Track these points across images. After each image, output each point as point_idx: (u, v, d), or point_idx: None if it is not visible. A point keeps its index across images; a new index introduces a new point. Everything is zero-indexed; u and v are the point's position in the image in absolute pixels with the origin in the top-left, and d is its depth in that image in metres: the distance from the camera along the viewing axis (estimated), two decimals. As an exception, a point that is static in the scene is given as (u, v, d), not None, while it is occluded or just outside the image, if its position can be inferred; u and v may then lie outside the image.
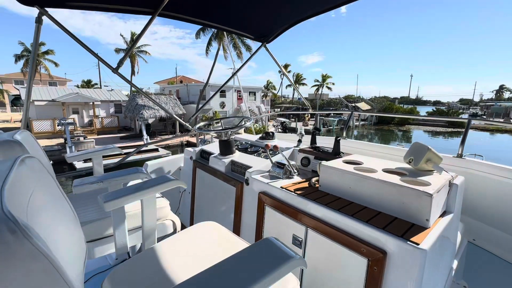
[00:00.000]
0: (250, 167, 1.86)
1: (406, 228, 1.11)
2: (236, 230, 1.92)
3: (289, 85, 56.25)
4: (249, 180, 1.79)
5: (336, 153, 1.83)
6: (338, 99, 45.58)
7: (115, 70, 2.07)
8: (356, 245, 1.15)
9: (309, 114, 34.42)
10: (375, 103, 38.60)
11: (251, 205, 1.78)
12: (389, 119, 35.45)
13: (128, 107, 19.75)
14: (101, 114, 22.20)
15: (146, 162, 2.52)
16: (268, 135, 2.48)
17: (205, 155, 2.39)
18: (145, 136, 16.77)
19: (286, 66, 52.31)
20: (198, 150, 2.46)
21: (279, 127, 23.86)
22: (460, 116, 36.93)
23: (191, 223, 2.50)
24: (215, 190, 2.20)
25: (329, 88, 42.60)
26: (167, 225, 1.55)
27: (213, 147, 2.41)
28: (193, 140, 18.02)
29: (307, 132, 2.37)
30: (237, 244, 1.19)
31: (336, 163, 1.53)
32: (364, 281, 1.14)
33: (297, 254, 0.79)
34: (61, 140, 15.93)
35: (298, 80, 51.57)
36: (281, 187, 1.57)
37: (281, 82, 55.37)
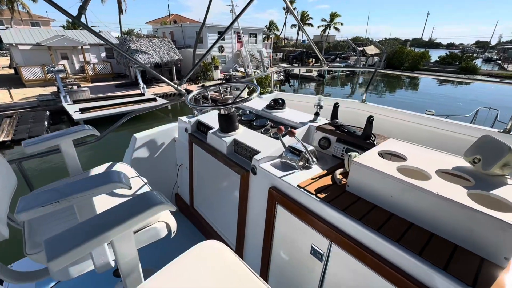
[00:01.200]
0: (257, 152, 1.52)
1: (475, 268, 0.83)
2: (241, 226, 1.69)
3: (294, 25, 51.25)
4: (256, 170, 1.46)
5: (367, 136, 1.46)
6: (345, 41, 41.99)
7: (76, 19, 1.54)
8: (403, 282, 0.89)
9: (313, 59, 32.26)
10: (385, 46, 35.67)
11: (260, 199, 1.50)
12: (398, 65, 33.24)
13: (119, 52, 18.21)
14: (92, 59, 20.67)
15: (135, 135, 2.17)
16: (278, 104, 2.05)
17: (202, 128, 2.02)
18: (141, 84, 15.89)
19: (291, 2, 47.00)
20: (194, 121, 2.07)
21: (281, 74, 22.50)
22: (474, 61, 34.51)
23: (191, 203, 2.29)
24: (216, 174, 1.90)
25: (336, 29, 38.71)
26: (159, 229, 1.30)
27: (212, 118, 2.03)
28: (194, 88, 17.19)
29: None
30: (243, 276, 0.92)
31: (372, 158, 1.18)
32: None
33: None
34: (55, 89, 15.15)
35: (304, 19, 46.74)
36: (298, 185, 1.26)
37: (285, 21, 50.28)
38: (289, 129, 1.44)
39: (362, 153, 1.40)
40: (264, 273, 1.57)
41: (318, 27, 38.86)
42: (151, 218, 1.15)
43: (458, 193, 0.93)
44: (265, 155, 1.47)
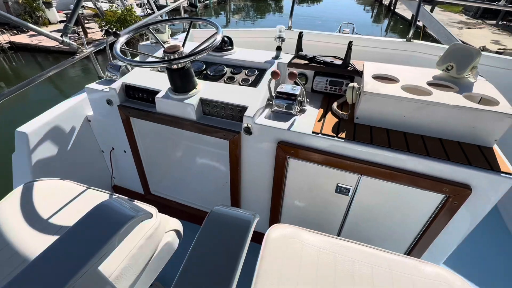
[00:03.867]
0: (244, 107, 1.25)
1: (478, 153, 1.03)
2: (235, 194, 1.50)
3: None
4: (252, 129, 1.23)
5: (346, 64, 1.41)
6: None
7: None
8: (436, 185, 1.03)
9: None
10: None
11: (262, 159, 1.32)
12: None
13: None
14: None
15: (19, 130, 1.37)
16: (225, 44, 1.65)
17: (136, 94, 1.46)
18: None
19: None
20: (118, 87, 1.45)
21: (147, 7, 18.61)
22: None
23: (146, 191, 1.84)
24: (182, 147, 1.51)
25: None
26: (171, 242, 0.96)
27: (147, 78, 1.48)
28: (25, 39, 12.03)
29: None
30: None
31: (376, 85, 1.17)
32: (434, 214, 1.12)
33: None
34: None
35: None
36: (313, 132, 1.15)
37: None
38: (290, 71, 1.21)
39: (352, 82, 1.38)
40: (274, 222, 1.54)
41: None
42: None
43: (459, 99, 1.06)
44: (255, 109, 1.23)
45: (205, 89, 1.36)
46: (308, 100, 1.33)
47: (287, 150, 1.20)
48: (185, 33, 1.39)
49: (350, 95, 1.22)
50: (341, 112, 1.26)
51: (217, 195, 1.62)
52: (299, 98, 1.25)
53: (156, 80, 1.45)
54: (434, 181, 1.02)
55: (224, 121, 1.33)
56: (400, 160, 1.05)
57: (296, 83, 1.23)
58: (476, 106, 1.02)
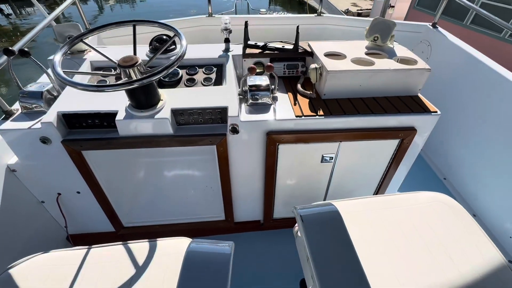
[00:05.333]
0: (224, 108, 1.22)
1: (413, 102, 1.36)
2: (227, 194, 1.49)
3: None
4: (239, 127, 1.23)
5: (297, 47, 1.53)
6: None
7: None
8: (393, 134, 1.32)
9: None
10: None
11: (252, 153, 1.35)
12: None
13: None
14: None
15: None
16: (164, 42, 1.48)
17: (84, 122, 1.21)
18: None
19: None
20: (53, 117, 1.15)
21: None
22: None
23: (119, 227, 1.60)
24: (158, 167, 1.37)
25: None
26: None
27: (83, 99, 1.21)
28: None
29: None
30: None
31: (332, 63, 1.34)
32: (393, 156, 1.44)
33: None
34: None
35: None
36: (296, 116, 1.25)
37: None
38: (267, 64, 1.22)
39: (306, 64, 1.53)
40: (268, 208, 1.63)
41: None
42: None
43: (393, 64, 1.35)
44: (236, 107, 1.22)
45: (171, 99, 1.24)
46: (277, 86, 1.40)
47: (277, 138, 1.27)
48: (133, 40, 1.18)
49: (314, 75, 1.36)
50: (308, 92, 1.39)
51: (207, 201, 1.57)
52: (271, 87, 1.30)
53: (102, 98, 1.22)
54: (394, 131, 1.31)
55: (204, 126, 1.27)
56: (368, 121, 1.28)
57: (272, 76, 1.27)
58: (407, 67, 1.33)
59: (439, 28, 2.35)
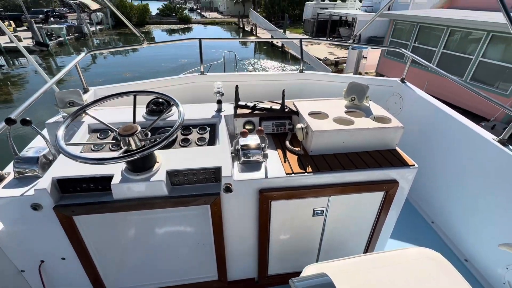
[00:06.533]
0: (217, 168, 1.28)
1: (392, 156, 1.49)
2: (221, 252, 1.48)
3: None
4: (232, 186, 1.28)
5: (283, 107, 1.68)
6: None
7: None
8: (378, 187, 1.40)
9: (11, 22, 22.80)
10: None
11: (244, 211, 1.39)
12: (128, 18, 31.93)
13: None
14: None
15: None
16: (161, 105, 1.60)
17: (79, 187, 1.22)
18: None
19: None
20: (47, 184, 1.16)
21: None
22: (185, 11, 40.74)
23: None
24: (156, 228, 1.36)
25: (22, -26, 27.87)
26: None
27: (74, 165, 1.23)
28: None
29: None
30: None
31: (316, 123, 1.48)
32: (380, 206, 1.50)
33: None
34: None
35: None
36: (287, 173, 1.32)
37: None
38: (258, 128, 1.32)
39: (293, 122, 1.66)
40: (263, 265, 1.60)
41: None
42: None
43: (370, 122, 1.50)
44: (229, 167, 1.29)
45: (166, 160, 1.30)
46: (268, 145, 1.50)
47: (269, 195, 1.32)
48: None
49: (301, 134, 1.48)
50: (296, 149, 1.50)
51: (199, 260, 1.53)
52: (262, 145, 1.40)
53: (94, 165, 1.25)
54: (378, 184, 1.40)
55: (198, 186, 1.31)
56: (353, 176, 1.37)
57: (263, 138, 1.37)
58: (382, 125, 1.48)
59: (407, 83, 2.66)
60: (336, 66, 14.73)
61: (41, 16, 25.88)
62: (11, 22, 22.94)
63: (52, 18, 27.03)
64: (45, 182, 1.16)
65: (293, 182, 1.34)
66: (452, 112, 2.13)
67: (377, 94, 2.69)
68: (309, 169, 1.35)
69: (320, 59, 14.95)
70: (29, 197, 1.15)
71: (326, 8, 22.89)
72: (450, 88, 7.85)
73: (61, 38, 21.85)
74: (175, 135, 1.46)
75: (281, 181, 1.32)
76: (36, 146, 1.36)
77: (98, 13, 28.53)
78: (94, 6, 28.36)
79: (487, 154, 1.79)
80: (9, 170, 1.30)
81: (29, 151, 1.31)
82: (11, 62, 17.00)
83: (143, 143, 1.14)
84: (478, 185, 1.88)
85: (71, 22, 26.34)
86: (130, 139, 1.08)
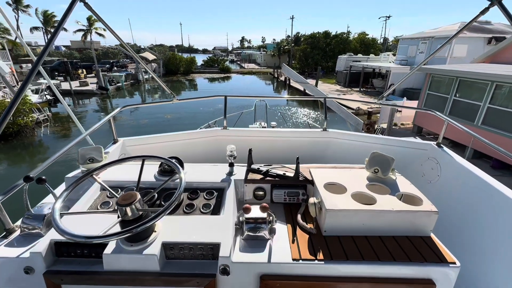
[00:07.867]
0: (216, 245, 1.17)
1: (425, 246, 1.23)
2: None
3: (35, 28, 39.25)
4: (229, 268, 1.14)
5: (298, 175, 1.57)
6: (116, 48, 39.05)
7: None
8: (405, 287, 1.14)
9: (84, 70, 27.42)
10: (157, 52, 37.38)
11: None
12: (175, 69, 36.33)
13: None
14: None
15: None
16: (167, 172, 1.58)
17: (73, 251, 1.19)
18: None
19: (18, -3, 35.85)
20: (44, 246, 1.14)
21: (46, 93, 16.84)
22: (226, 63, 45.14)
23: None
24: None
25: (100, 34, 34.48)
26: None
27: (77, 225, 1.23)
28: None
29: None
30: None
31: (333, 199, 1.32)
32: None
33: None
34: None
35: (49, 21, 37.45)
36: (293, 259, 1.15)
37: (17, 21, 37.22)
38: (262, 204, 1.23)
39: (307, 192, 1.52)
40: None
41: (76, 31, 32.35)
42: None
43: (396, 202, 1.31)
44: (229, 245, 1.17)
45: (165, 229, 1.23)
46: (276, 218, 1.36)
47: (272, 284, 1.14)
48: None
49: (314, 210, 1.33)
50: (308, 226, 1.33)
51: None
52: (268, 219, 1.27)
53: (93, 225, 1.22)
54: (407, 284, 1.14)
55: (194, 262, 1.19)
56: (374, 270, 1.14)
57: (268, 214, 1.26)
58: (412, 208, 1.27)
59: (444, 148, 2.39)
60: (370, 116, 14.47)
61: (107, 66, 30.90)
62: (84, 70, 27.73)
63: (115, 68, 31.93)
64: (43, 244, 1.15)
65: (300, 270, 1.15)
66: (503, 188, 1.79)
67: (410, 157, 2.45)
68: (320, 256, 1.16)
69: (352, 109, 14.93)
70: (24, 259, 1.13)
71: (359, 61, 23.61)
72: (503, 145, 7.05)
73: (119, 84, 25.30)
74: (181, 198, 1.42)
75: (286, 268, 1.15)
76: (50, 202, 1.40)
77: (153, 64, 32.99)
78: (151, 57, 33.15)
79: None
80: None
81: (41, 206, 1.35)
82: (76, 102, 19.90)
83: (140, 212, 1.10)
84: None
85: (130, 71, 30.68)
86: (127, 208, 1.05)
